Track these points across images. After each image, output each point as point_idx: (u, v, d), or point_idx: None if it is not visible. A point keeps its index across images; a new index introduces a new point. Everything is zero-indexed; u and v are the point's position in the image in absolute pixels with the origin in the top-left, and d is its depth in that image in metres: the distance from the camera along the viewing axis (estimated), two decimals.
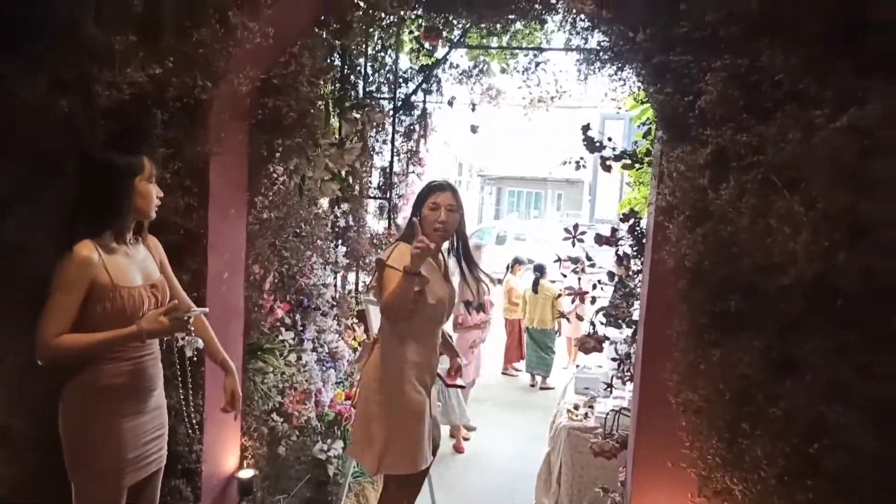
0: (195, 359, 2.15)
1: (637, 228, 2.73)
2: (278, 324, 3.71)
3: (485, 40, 4.69)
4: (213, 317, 2.67)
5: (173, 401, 2.48)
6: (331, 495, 3.86)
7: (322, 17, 3.04)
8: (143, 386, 2.04)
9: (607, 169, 2.67)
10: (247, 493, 3.06)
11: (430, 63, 5.07)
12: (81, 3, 2.22)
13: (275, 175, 3.13)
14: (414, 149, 6.23)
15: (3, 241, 2.27)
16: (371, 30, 4.45)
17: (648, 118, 2.91)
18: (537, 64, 4.35)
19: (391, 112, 5.61)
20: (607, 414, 3.12)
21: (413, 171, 6.41)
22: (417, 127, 6.12)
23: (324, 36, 3.17)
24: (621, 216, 2.80)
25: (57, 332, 1.83)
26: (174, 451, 2.57)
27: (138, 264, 2.04)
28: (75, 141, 2.25)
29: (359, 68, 4.95)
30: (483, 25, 4.25)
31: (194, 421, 2.58)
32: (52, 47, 2.19)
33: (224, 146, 2.59)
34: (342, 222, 5.15)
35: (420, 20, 4.32)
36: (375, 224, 6.18)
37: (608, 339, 2.90)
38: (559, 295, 6.64)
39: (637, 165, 2.67)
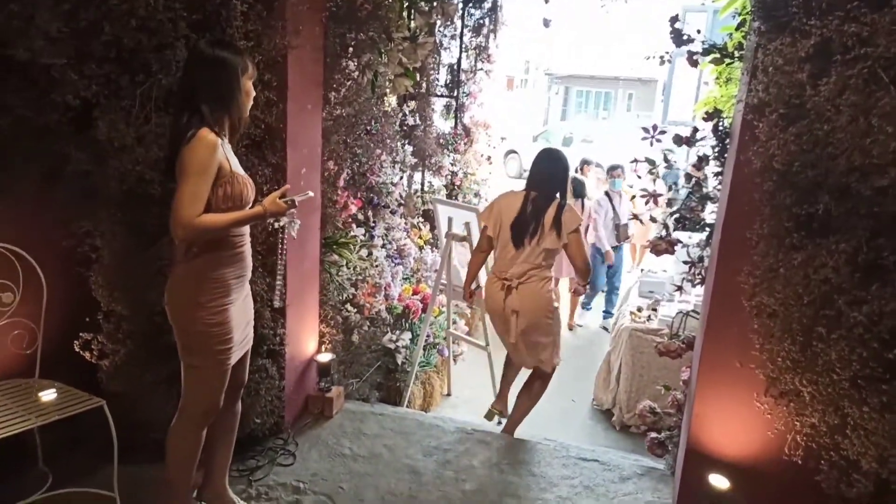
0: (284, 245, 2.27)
1: (721, 128, 2.62)
2: (350, 220, 3.82)
3: None
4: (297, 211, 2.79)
5: (259, 287, 2.65)
6: (399, 381, 4.09)
7: None
8: (244, 274, 2.19)
9: (694, 64, 2.53)
10: (325, 375, 3.29)
11: None
12: None
13: (348, 70, 3.12)
14: (483, 44, 6.04)
15: (94, 141, 2.38)
16: None
17: (738, 9, 2.71)
18: None
19: (460, 5, 5.41)
20: (675, 315, 3.13)
21: (481, 69, 6.24)
22: (487, 21, 5.90)
23: None
24: (704, 115, 2.68)
25: (197, 212, 1.92)
26: (261, 334, 2.77)
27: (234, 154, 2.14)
28: (159, 36, 2.30)
29: None
30: None
31: (277, 306, 2.76)
32: None
33: (301, 39, 2.59)
34: (410, 121, 5.13)
35: None
36: (442, 123, 6.13)
37: (680, 241, 2.86)
38: (633, 197, 6.47)
39: (727, 60, 2.52)
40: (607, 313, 6.37)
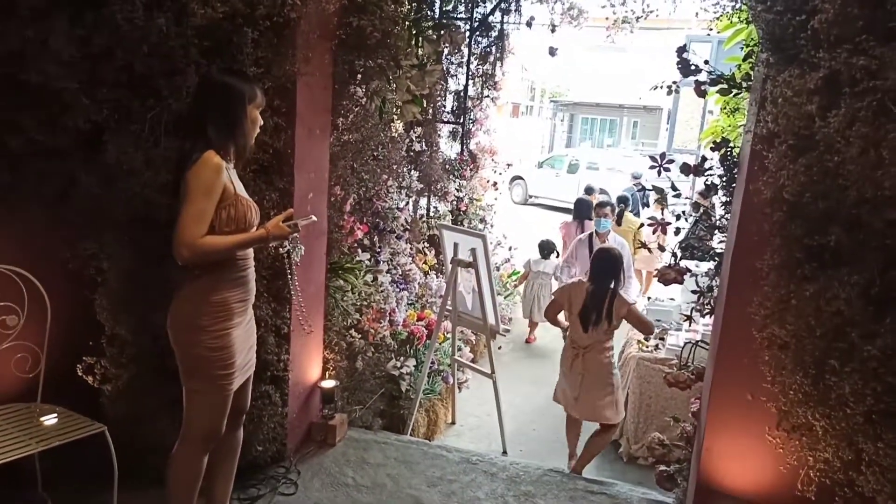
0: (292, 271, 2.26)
1: (729, 158, 2.61)
2: (356, 245, 3.82)
3: None
4: (301, 235, 2.78)
5: (263, 312, 2.63)
6: (403, 409, 4.04)
7: None
8: (247, 298, 2.18)
9: (702, 94, 2.54)
10: (328, 402, 3.25)
11: None
12: None
13: (356, 96, 3.14)
14: (490, 72, 6.09)
15: (103, 164, 2.39)
16: None
17: (745, 40, 2.72)
18: None
19: (467, 33, 5.47)
20: (683, 345, 3.10)
21: (488, 96, 6.29)
22: (494, 49, 5.96)
23: None
24: (712, 144, 2.68)
25: (202, 233, 1.93)
26: (264, 360, 2.74)
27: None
28: (170, 62, 2.32)
29: None
30: None
31: (282, 332, 2.75)
32: None
33: (310, 66, 2.61)
34: (416, 147, 5.16)
35: None
36: (448, 149, 6.16)
37: (689, 271, 2.84)
38: (641, 225, 6.46)
39: (735, 91, 2.53)
40: None
